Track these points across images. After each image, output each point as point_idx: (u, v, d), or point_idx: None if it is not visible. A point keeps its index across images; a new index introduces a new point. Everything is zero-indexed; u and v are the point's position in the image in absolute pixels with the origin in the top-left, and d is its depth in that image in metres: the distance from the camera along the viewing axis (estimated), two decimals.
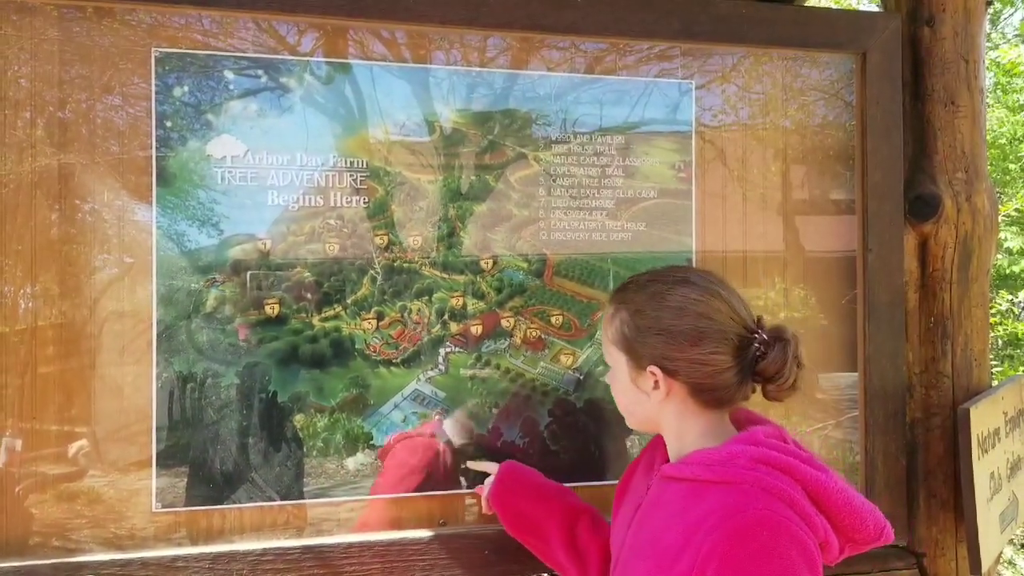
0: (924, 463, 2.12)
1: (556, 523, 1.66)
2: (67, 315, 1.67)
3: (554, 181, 1.94)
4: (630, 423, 1.51)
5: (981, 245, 2.17)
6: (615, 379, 1.48)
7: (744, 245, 2.07)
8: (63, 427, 1.66)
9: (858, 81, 2.13)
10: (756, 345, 1.36)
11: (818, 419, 2.12)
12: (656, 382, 1.38)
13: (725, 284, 1.42)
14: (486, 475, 1.80)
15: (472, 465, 1.85)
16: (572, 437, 1.90)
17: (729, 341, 1.35)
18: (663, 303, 1.38)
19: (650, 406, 1.41)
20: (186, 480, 1.71)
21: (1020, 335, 6.59)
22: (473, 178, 1.90)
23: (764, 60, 2.10)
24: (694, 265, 2.01)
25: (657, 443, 1.52)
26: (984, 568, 2.02)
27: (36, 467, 1.65)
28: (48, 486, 1.66)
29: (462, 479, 1.87)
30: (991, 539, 2.07)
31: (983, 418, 2.08)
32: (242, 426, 1.74)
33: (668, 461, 1.45)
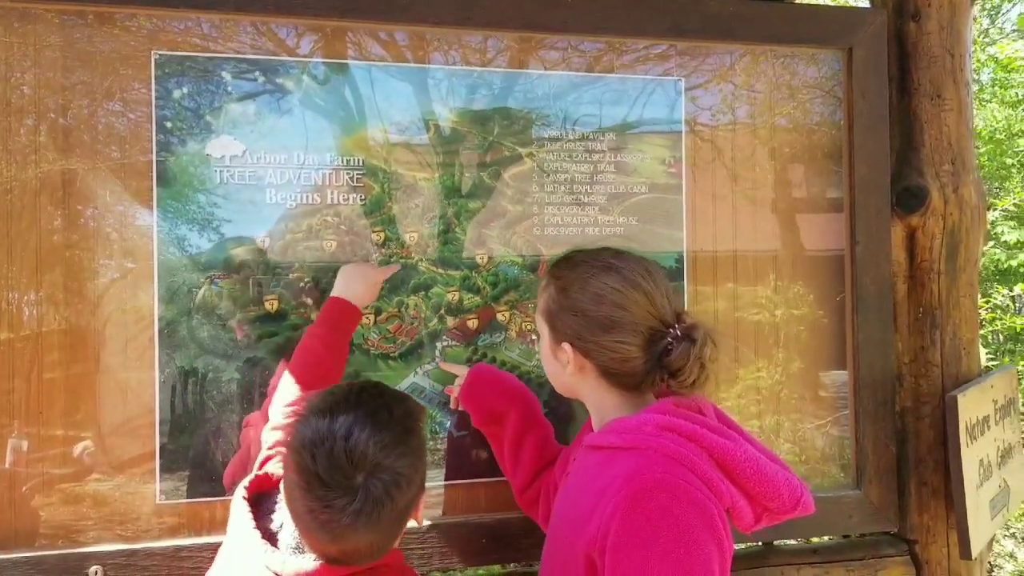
0: (915, 451, 2.16)
1: (512, 424, 1.77)
2: (73, 316, 1.71)
3: (547, 177, 1.98)
4: (556, 388, 1.56)
5: (969, 236, 2.20)
6: (541, 347, 1.54)
7: (734, 238, 2.10)
8: (71, 423, 1.70)
9: (845, 76, 2.17)
10: (667, 340, 1.39)
11: (820, 416, 2.16)
12: (569, 358, 1.44)
13: (652, 275, 1.45)
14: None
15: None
16: (567, 427, 1.93)
17: (640, 333, 1.39)
18: (585, 287, 1.43)
19: (567, 377, 1.47)
20: (189, 473, 1.75)
21: (1019, 330, 6.59)
22: (468, 176, 1.94)
23: (761, 59, 2.14)
24: (685, 258, 2.05)
25: (589, 423, 1.57)
26: (974, 553, 2.05)
27: (45, 463, 1.69)
28: (56, 481, 1.70)
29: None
30: (981, 525, 2.10)
31: (972, 406, 2.12)
32: (243, 419, 1.78)
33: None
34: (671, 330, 1.40)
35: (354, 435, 1.21)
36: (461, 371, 1.86)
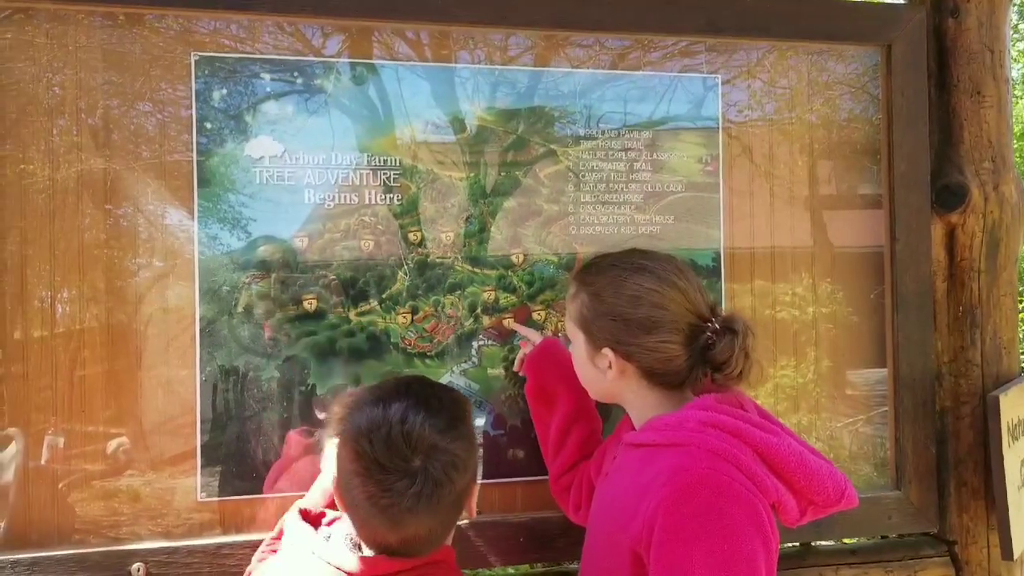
0: (954, 452, 2.13)
1: (563, 410, 1.76)
2: (115, 314, 1.72)
3: (580, 177, 1.97)
4: (592, 395, 1.57)
5: (1009, 234, 2.17)
6: (575, 355, 1.54)
7: (772, 238, 2.09)
8: (114, 421, 1.72)
9: (884, 73, 2.14)
10: (707, 334, 1.40)
11: (848, 415, 2.14)
12: (610, 363, 1.43)
13: (683, 272, 1.46)
14: None
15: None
16: (608, 422, 1.92)
17: (681, 331, 1.40)
18: (620, 290, 1.43)
19: (607, 383, 1.47)
20: (230, 470, 1.76)
21: None
22: (502, 175, 1.93)
23: (789, 54, 2.12)
24: (722, 256, 2.04)
25: (628, 418, 1.57)
26: (1015, 555, 2.03)
27: (85, 461, 1.71)
28: (98, 478, 1.71)
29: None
30: (1022, 526, 2.07)
31: (1013, 406, 2.09)
32: (283, 418, 1.79)
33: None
34: (709, 324, 1.41)
35: (409, 419, 1.23)
36: (535, 337, 1.87)
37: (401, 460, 1.22)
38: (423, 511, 1.22)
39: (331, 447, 1.60)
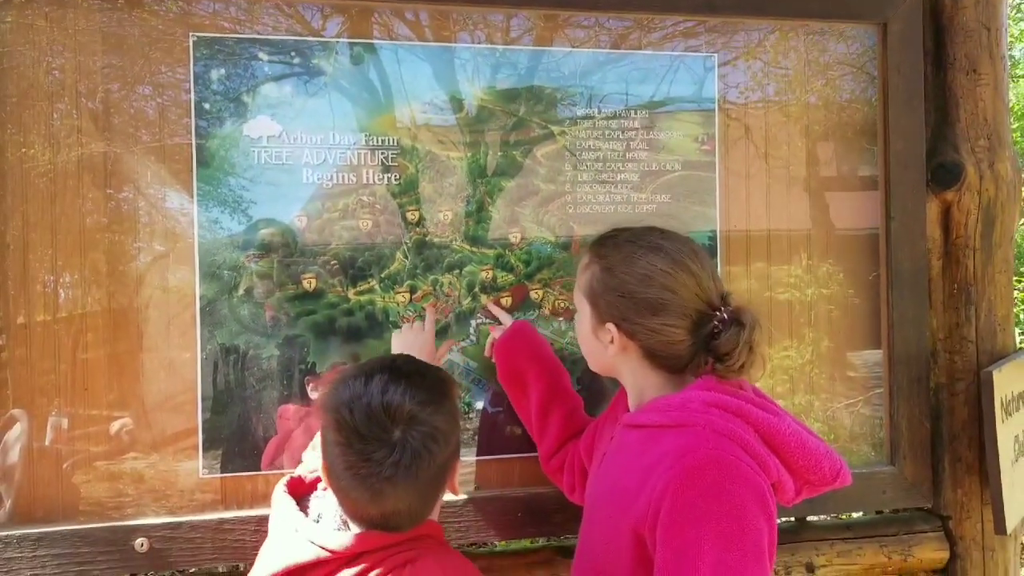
0: (949, 427, 2.15)
1: (538, 393, 1.77)
2: (116, 296, 1.75)
3: (577, 156, 1.98)
4: (591, 367, 1.57)
5: (1004, 211, 2.18)
6: (579, 325, 1.55)
7: (768, 217, 2.10)
8: (116, 401, 1.75)
9: (880, 51, 2.15)
10: (714, 323, 1.39)
11: (849, 396, 2.16)
12: (612, 338, 1.44)
13: (698, 256, 1.44)
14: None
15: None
16: (599, 404, 1.95)
17: (688, 316, 1.39)
18: (632, 268, 1.42)
19: (607, 357, 1.48)
20: (231, 448, 1.79)
21: None
22: (500, 155, 1.95)
23: (790, 35, 2.13)
24: (718, 237, 2.05)
25: (621, 396, 1.58)
26: (1009, 529, 2.05)
27: (90, 440, 1.74)
28: (102, 457, 1.74)
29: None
30: (1016, 501, 2.09)
31: (1007, 381, 2.11)
32: (283, 395, 1.81)
33: (628, 411, 1.52)
34: (718, 313, 1.40)
35: (390, 391, 1.27)
36: (506, 320, 1.88)
37: (380, 430, 1.24)
38: (401, 482, 1.24)
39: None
